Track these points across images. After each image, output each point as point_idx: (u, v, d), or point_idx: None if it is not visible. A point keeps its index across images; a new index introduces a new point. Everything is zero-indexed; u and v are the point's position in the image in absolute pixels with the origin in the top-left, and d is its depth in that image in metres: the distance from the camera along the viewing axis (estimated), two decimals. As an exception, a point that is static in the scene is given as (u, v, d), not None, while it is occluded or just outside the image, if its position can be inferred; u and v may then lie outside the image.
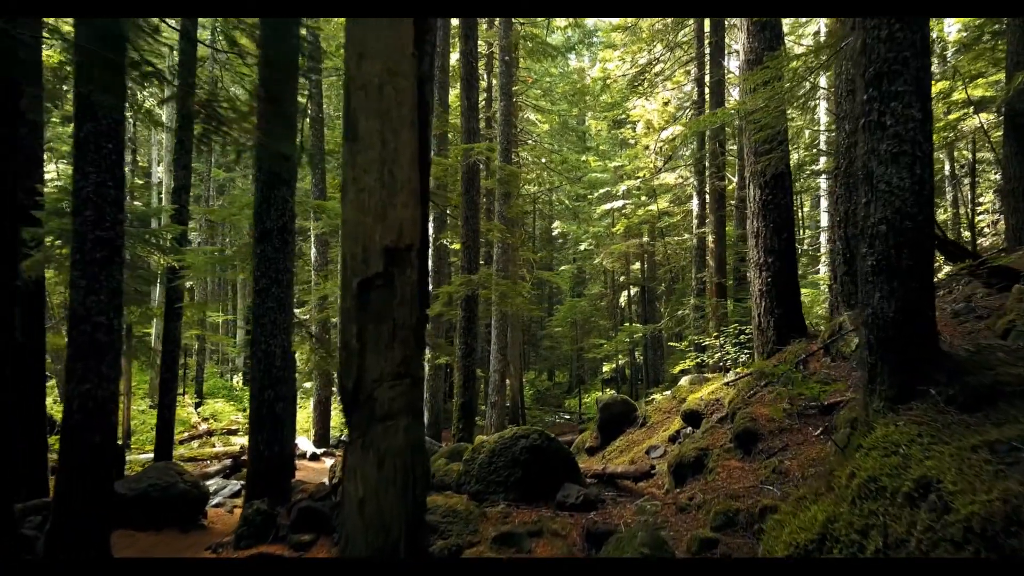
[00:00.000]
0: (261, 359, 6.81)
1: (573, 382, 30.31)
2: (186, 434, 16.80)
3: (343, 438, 16.40)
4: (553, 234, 32.00)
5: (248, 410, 7.83)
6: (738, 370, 8.91)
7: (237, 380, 27.22)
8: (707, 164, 15.71)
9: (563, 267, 30.58)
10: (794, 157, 17.30)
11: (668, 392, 10.07)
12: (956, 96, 11.25)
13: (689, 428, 7.03)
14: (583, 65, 27.82)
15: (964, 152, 14.48)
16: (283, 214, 6.87)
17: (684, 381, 9.44)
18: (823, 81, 15.52)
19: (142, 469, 8.46)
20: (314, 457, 14.56)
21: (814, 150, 18.51)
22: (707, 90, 15.75)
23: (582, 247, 27.91)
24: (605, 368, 26.49)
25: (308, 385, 19.06)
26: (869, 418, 3.14)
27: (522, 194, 24.74)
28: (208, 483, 11.53)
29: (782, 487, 4.02)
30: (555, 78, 26.95)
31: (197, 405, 22.02)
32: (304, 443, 15.24)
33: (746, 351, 10.38)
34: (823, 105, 17.84)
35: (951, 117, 11.49)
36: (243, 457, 11.61)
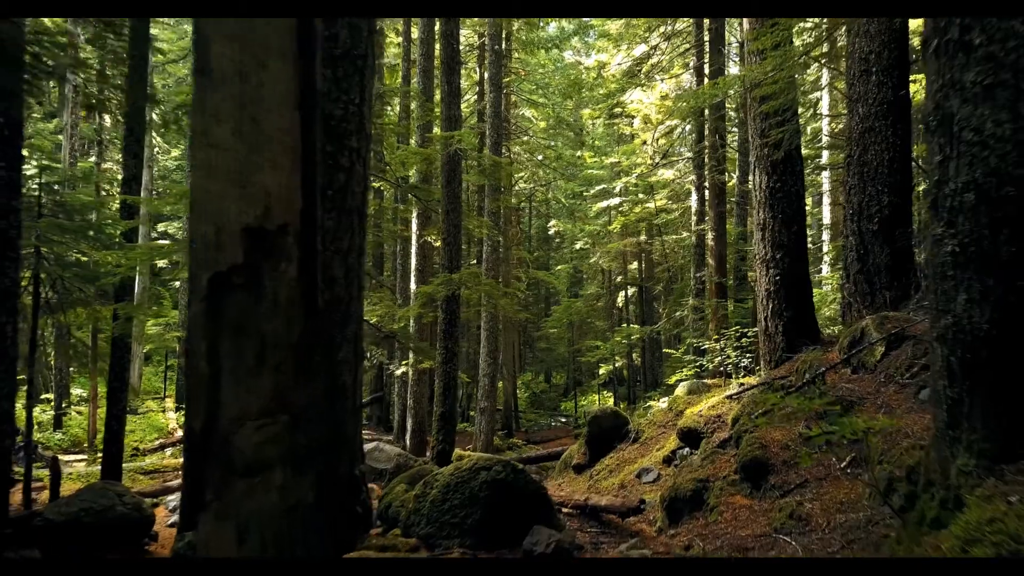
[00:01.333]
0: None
1: (570, 384, 29.50)
2: (159, 442, 15.90)
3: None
4: (549, 233, 31.22)
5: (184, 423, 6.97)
6: (741, 380, 8.05)
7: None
8: (706, 158, 14.91)
9: (559, 267, 29.74)
10: (798, 150, 16.46)
11: (664, 401, 9.22)
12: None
13: (686, 448, 6.18)
14: (579, 60, 27.04)
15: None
16: (223, 204, 6.01)
17: (681, 389, 8.59)
18: (826, 74, 14.71)
19: (75, 491, 7.61)
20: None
21: (816, 146, 17.72)
22: (706, 80, 14.97)
23: (578, 246, 27.10)
24: (602, 370, 25.62)
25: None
26: (952, 481, 2.14)
27: (516, 190, 23.94)
28: (169, 498, 10.69)
29: (802, 538, 3.19)
30: (549, 72, 26.16)
31: (177, 410, 21.17)
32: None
33: (748, 355, 9.54)
34: (826, 99, 17.03)
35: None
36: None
